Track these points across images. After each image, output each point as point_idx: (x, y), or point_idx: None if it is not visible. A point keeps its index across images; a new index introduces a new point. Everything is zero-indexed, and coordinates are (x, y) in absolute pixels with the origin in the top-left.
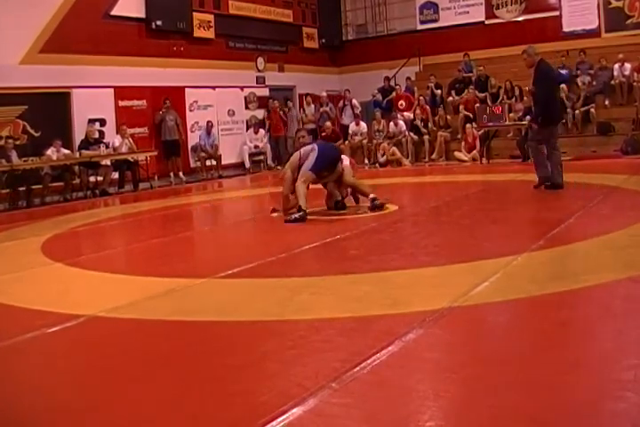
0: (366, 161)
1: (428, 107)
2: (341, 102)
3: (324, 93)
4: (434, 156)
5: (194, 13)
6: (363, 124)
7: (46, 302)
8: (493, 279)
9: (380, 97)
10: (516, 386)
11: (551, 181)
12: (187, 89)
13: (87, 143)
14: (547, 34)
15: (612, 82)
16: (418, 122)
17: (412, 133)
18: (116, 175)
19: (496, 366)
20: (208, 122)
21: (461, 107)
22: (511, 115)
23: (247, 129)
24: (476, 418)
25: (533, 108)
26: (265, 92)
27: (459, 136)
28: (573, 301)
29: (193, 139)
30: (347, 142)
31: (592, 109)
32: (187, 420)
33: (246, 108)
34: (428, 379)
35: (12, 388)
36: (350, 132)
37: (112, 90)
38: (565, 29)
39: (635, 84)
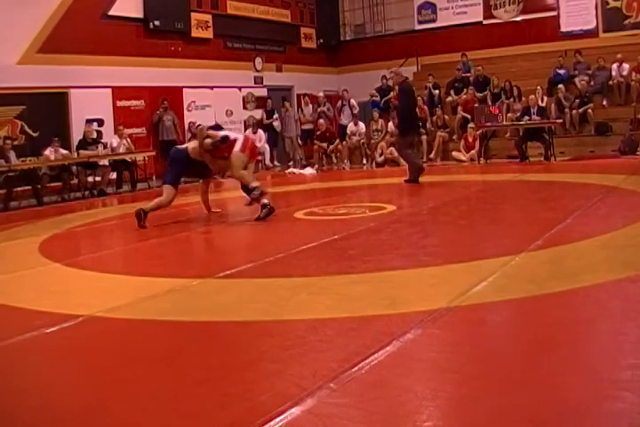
0: (364, 161)
1: (425, 107)
2: (339, 102)
3: (322, 94)
4: (432, 155)
5: (192, 13)
6: (361, 124)
7: (44, 303)
8: (492, 279)
9: (378, 97)
10: (514, 386)
11: (410, 178)
12: (185, 89)
13: (85, 143)
14: (545, 34)
15: (610, 82)
16: None
17: None
18: (113, 175)
19: (494, 365)
20: (190, 123)
21: (460, 108)
22: (509, 115)
23: (245, 129)
24: (474, 418)
25: (396, 120)
26: (263, 92)
27: (454, 137)
28: (572, 300)
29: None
30: (344, 142)
31: (590, 110)
32: (185, 420)
33: (244, 108)
34: (426, 379)
35: (11, 388)
36: (349, 132)
37: (110, 90)
38: (563, 29)
39: (633, 84)
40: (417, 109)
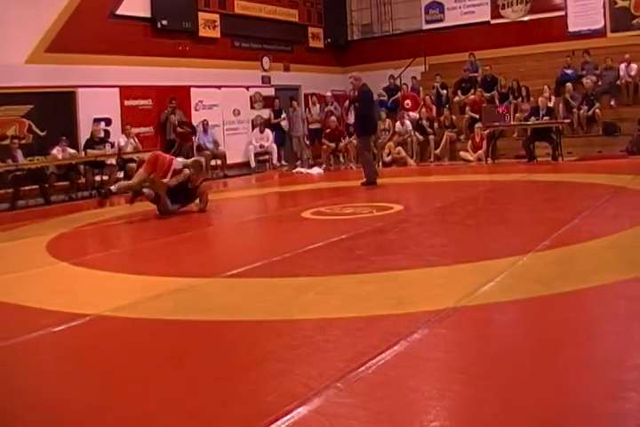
0: None
1: (433, 106)
2: (347, 102)
3: (329, 93)
4: (437, 151)
5: (199, 13)
6: None
7: (51, 302)
8: (499, 279)
9: (385, 96)
10: (521, 386)
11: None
12: (192, 89)
13: (92, 143)
14: (552, 34)
15: (618, 82)
16: (423, 122)
17: (417, 133)
18: (121, 174)
19: (501, 365)
20: (203, 120)
21: (467, 108)
22: (517, 115)
23: (253, 128)
24: (481, 418)
25: (356, 122)
26: (270, 91)
27: (462, 137)
28: (579, 301)
29: (196, 139)
30: (352, 141)
31: (597, 110)
32: (191, 419)
33: (252, 107)
34: (434, 379)
35: (17, 387)
36: None
37: (117, 89)
38: (571, 29)
39: None
40: (375, 113)
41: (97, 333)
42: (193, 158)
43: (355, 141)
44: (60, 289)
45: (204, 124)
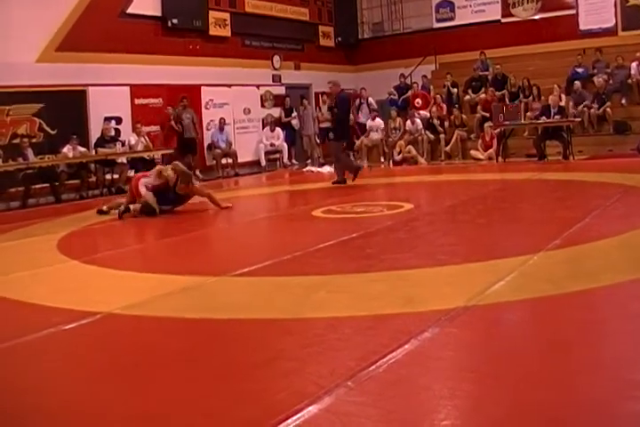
0: (382, 159)
1: (444, 105)
2: (358, 101)
3: None
4: (447, 148)
5: (210, 11)
6: (379, 120)
7: (62, 300)
8: (509, 278)
9: (396, 95)
10: (532, 385)
11: (337, 179)
12: (203, 87)
13: (103, 141)
14: (563, 32)
15: (629, 81)
16: (434, 120)
17: (428, 132)
18: (131, 173)
19: (512, 365)
20: (220, 119)
21: (479, 107)
22: (528, 114)
23: (263, 127)
24: (491, 417)
25: (333, 126)
26: (281, 90)
27: (472, 136)
28: (590, 300)
29: (209, 137)
30: (363, 140)
31: (608, 108)
32: (202, 418)
33: (262, 106)
34: (444, 378)
35: (28, 385)
36: (367, 128)
37: (128, 88)
38: (582, 28)
39: None
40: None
41: (107, 331)
42: (171, 166)
43: (364, 140)
44: (71, 287)
45: (221, 122)
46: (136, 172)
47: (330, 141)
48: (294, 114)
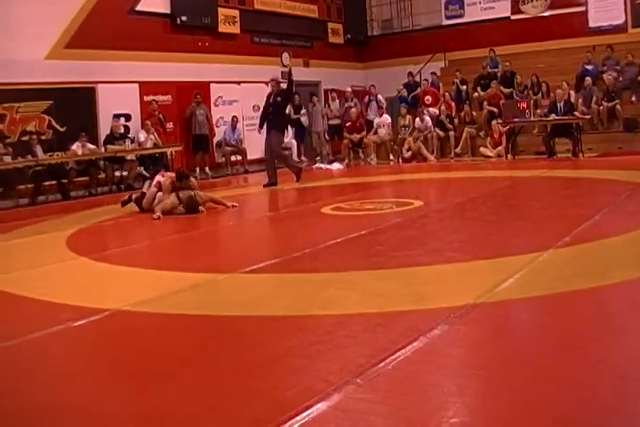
0: (391, 156)
1: (453, 103)
2: (367, 98)
3: (349, 89)
4: (458, 149)
5: (219, 9)
6: (386, 116)
7: (71, 296)
8: (519, 276)
9: (405, 92)
10: (541, 383)
11: (270, 180)
12: (212, 84)
13: (112, 138)
14: (573, 29)
15: (639, 78)
16: (443, 117)
17: (437, 129)
18: (141, 170)
19: (521, 362)
20: (233, 117)
21: (485, 102)
22: (537, 111)
23: None
24: (500, 415)
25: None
26: None
27: (481, 133)
28: (599, 298)
29: (218, 134)
30: (373, 137)
31: (618, 106)
32: (211, 415)
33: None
34: (453, 375)
35: (37, 381)
36: (375, 124)
37: (137, 85)
38: (591, 25)
39: None
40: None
41: (116, 328)
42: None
43: (371, 137)
44: (80, 284)
45: (234, 120)
46: (145, 169)
47: (270, 134)
48: (303, 111)
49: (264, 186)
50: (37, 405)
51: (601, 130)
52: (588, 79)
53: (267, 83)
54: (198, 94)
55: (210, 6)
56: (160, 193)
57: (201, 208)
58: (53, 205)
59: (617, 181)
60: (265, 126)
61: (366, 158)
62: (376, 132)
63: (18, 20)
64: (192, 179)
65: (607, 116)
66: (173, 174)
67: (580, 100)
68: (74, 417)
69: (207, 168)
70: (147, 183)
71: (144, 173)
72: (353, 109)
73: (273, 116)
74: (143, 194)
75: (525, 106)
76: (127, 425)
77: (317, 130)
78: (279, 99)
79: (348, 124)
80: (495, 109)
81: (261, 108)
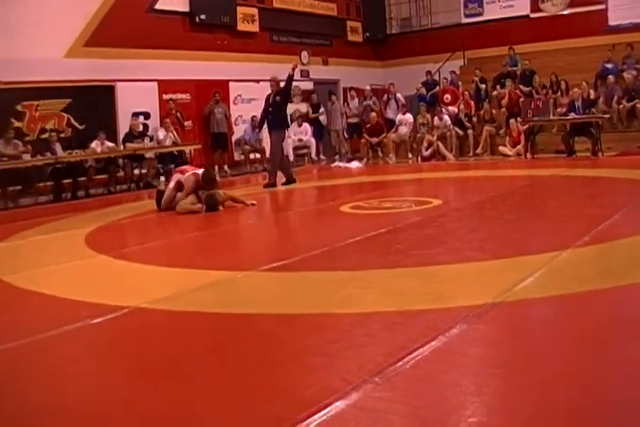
0: (410, 155)
1: (472, 101)
2: (386, 96)
3: (368, 87)
4: (478, 150)
5: (238, 7)
6: (409, 115)
7: (90, 294)
8: (538, 275)
9: (423, 91)
10: (560, 383)
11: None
12: (231, 83)
13: (131, 136)
14: (592, 27)
15: None
16: (462, 116)
17: (456, 128)
18: (159, 168)
19: (540, 362)
20: (253, 117)
21: (503, 101)
22: (557, 110)
23: (291, 122)
24: (518, 414)
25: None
26: (309, 85)
27: (500, 131)
28: (618, 298)
29: (237, 132)
30: (392, 135)
31: (638, 104)
32: (228, 413)
33: (290, 101)
34: (471, 374)
35: (56, 378)
36: (397, 122)
37: (156, 83)
38: (611, 23)
39: None
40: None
41: (135, 325)
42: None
43: (391, 135)
44: (99, 281)
45: (254, 120)
46: (164, 167)
47: (273, 132)
48: (322, 109)
49: (264, 186)
50: (54, 402)
51: (620, 129)
52: (611, 78)
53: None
54: (217, 93)
55: (229, 5)
56: (179, 194)
57: (219, 207)
58: (72, 203)
59: (636, 180)
60: (266, 127)
61: (385, 157)
62: (396, 130)
63: (37, 18)
64: (220, 193)
65: (627, 115)
66: (198, 172)
67: (601, 99)
68: (90, 416)
69: (226, 166)
70: (162, 180)
71: (162, 170)
72: (373, 113)
73: (273, 116)
74: (159, 192)
75: (544, 105)
76: (144, 423)
77: (336, 128)
78: (278, 98)
79: (367, 126)
80: (513, 110)
81: (261, 109)
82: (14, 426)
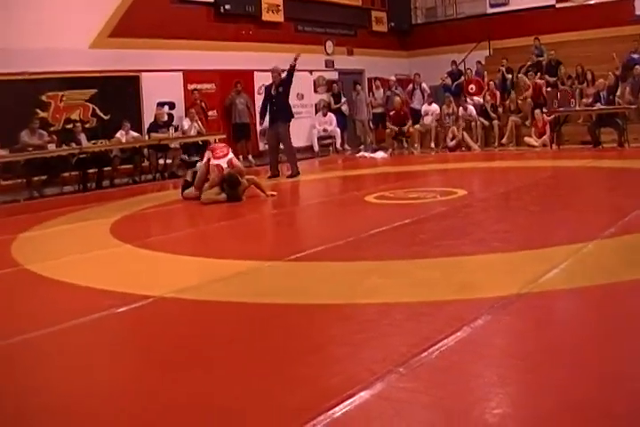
0: (432, 145)
1: (497, 92)
2: (411, 86)
3: (394, 77)
4: (504, 140)
5: None
6: (435, 105)
7: (115, 283)
8: (563, 266)
9: (449, 81)
10: (585, 375)
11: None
12: (255, 72)
13: (156, 126)
14: (618, 17)
15: None
16: (487, 106)
17: (481, 118)
18: (184, 158)
19: (565, 354)
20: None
21: (527, 93)
22: (583, 100)
23: (316, 112)
24: (543, 407)
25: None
26: (334, 75)
27: (527, 122)
28: None
29: (258, 120)
30: (417, 126)
31: None
32: (253, 403)
33: (315, 91)
34: (496, 365)
35: (80, 366)
36: (422, 112)
37: (181, 73)
38: (638, 13)
39: None
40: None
41: (159, 314)
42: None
43: (416, 126)
44: (123, 271)
45: None
46: (189, 157)
47: (276, 126)
48: (344, 99)
49: (268, 177)
50: (76, 391)
51: None
52: (638, 68)
53: (310, 71)
54: (238, 83)
55: None
56: (205, 185)
57: (242, 197)
58: (98, 193)
59: None
60: (268, 118)
61: (410, 147)
62: (422, 121)
63: (62, 9)
64: (244, 181)
65: None
66: (223, 164)
67: (628, 89)
68: (111, 405)
69: (250, 156)
70: (189, 172)
71: (187, 160)
72: (397, 98)
73: (277, 108)
74: (186, 182)
75: (570, 95)
76: (166, 411)
77: (361, 118)
78: (281, 89)
79: (392, 114)
80: (539, 99)
81: (262, 100)
82: (36, 413)
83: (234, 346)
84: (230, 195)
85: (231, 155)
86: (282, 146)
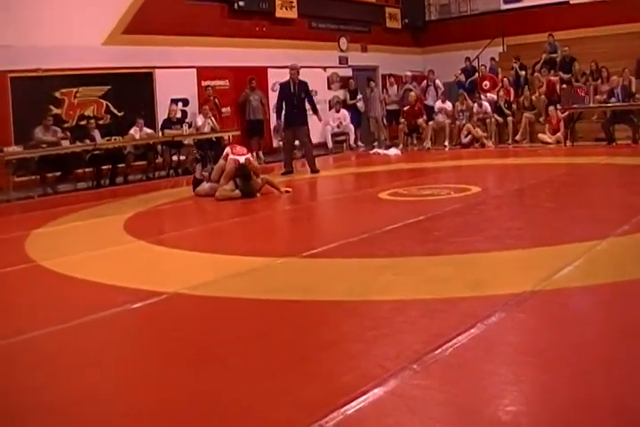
0: (446, 142)
1: (511, 88)
2: (424, 83)
3: (409, 73)
4: (518, 137)
5: None
6: (448, 103)
7: (129, 279)
8: (577, 264)
9: (462, 78)
10: (598, 373)
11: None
12: (269, 69)
13: (170, 123)
14: (633, 14)
15: None
16: (501, 103)
17: (495, 115)
18: (198, 154)
19: (578, 351)
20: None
21: (540, 89)
22: (597, 97)
23: (330, 109)
24: (557, 404)
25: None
26: (348, 72)
27: (541, 119)
28: None
29: (275, 119)
30: (431, 122)
31: None
32: (267, 399)
33: (329, 88)
34: (509, 363)
35: (94, 362)
36: (436, 109)
37: (195, 70)
38: None
39: None
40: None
41: (173, 310)
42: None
43: (430, 123)
44: (138, 267)
45: None
46: (203, 153)
47: (296, 128)
48: (359, 96)
49: (282, 174)
50: (89, 387)
51: None
52: None
53: (324, 68)
54: (253, 79)
55: None
56: (222, 180)
57: (257, 194)
58: (111, 189)
59: None
60: (284, 117)
61: (422, 144)
62: (435, 118)
63: (76, 6)
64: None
65: None
66: (240, 159)
67: None
68: (123, 401)
69: (261, 152)
70: (198, 168)
71: (199, 157)
72: (412, 93)
73: (297, 110)
74: (196, 179)
75: (584, 92)
76: (180, 407)
77: (375, 115)
78: (302, 95)
79: (405, 109)
80: (554, 96)
81: (278, 98)
82: (50, 407)
83: (247, 342)
84: (244, 189)
85: (249, 155)
86: (297, 142)
